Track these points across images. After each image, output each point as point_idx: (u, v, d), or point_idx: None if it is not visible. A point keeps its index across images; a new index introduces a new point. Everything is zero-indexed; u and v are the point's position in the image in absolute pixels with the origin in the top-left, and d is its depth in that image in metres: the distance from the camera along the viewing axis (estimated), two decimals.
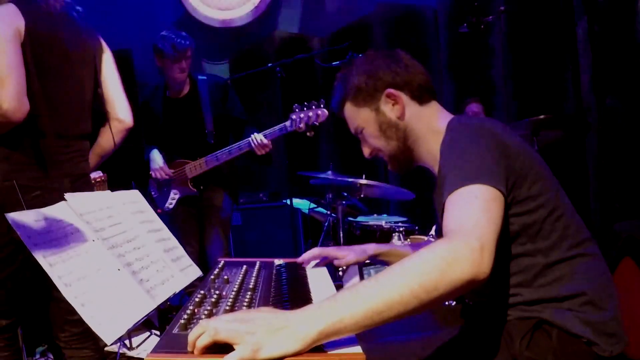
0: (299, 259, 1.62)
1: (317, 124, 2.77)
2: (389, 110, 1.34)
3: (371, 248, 1.66)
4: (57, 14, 1.92)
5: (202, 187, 3.02)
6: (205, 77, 3.10)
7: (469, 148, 1.12)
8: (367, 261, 1.70)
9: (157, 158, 3.03)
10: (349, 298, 0.89)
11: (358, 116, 1.39)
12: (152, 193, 3.13)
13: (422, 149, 1.35)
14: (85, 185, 2.01)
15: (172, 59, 2.92)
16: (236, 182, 3.24)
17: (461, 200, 1.03)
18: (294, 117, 2.76)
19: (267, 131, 2.83)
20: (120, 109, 2.11)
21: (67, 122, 1.94)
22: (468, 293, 1.30)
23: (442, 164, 1.17)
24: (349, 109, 1.40)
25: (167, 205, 3.04)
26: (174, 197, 3.05)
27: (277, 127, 2.82)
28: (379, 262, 1.74)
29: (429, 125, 1.33)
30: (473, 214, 0.99)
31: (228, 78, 3.54)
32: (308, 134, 2.79)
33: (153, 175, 3.04)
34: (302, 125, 2.75)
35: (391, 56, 1.39)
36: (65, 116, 1.93)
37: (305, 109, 2.76)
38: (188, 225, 3.10)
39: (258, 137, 2.82)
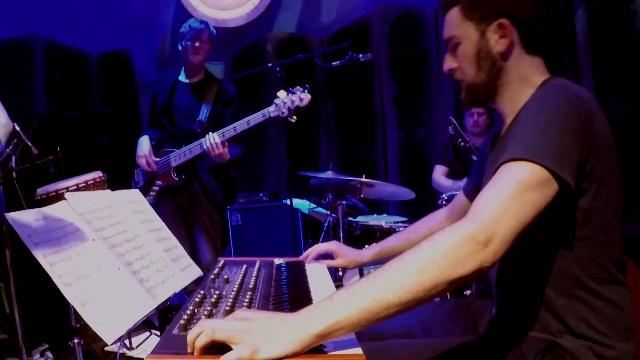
0: (302, 257, 1.62)
1: (301, 107, 2.72)
2: (494, 40, 1.18)
3: (366, 255, 1.60)
4: None
5: (183, 177, 3.00)
6: (221, 78, 3.18)
7: (552, 119, 1.02)
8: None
9: (144, 145, 3.03)
10: (345, 299, 0.89)
11: (460, 27, 1.22)
12: (138, 183, 3.12)
13: (508, 94, 1.21)
14: None
15: (187, 39, 3.03)
16: (221, 177, 3.20)
17: (504, 179, 0.98)
18: (277, 102, 2.73)
19: (251, 117, 2.78)
20: (4, 116, 2.33)
21: None
22: (494, 293, 1.27)
23: (519, 121, 1.11)
24: (454, 15, 1.22)
25: (147, 197, 3.02)
26: (155, 188, 3.04)
27: (259, 113, 2.77)
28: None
29: (525, 74, 1.19)
30: (502, 203, 0.94)
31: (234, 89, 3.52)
32: (290, 119, 2.74)
33: (137, 161, 3.04)
34: (284, 110, 2.71)
35: None
36: None
37: (289, 94, 2.73)
38: (173, 223, 3.01)
39: (212, 138, 2.79)
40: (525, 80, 1.19)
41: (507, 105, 1.22)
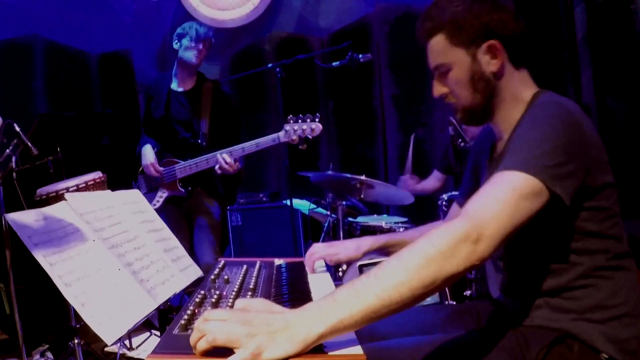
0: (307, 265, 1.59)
1: (311, 137, 2.76)
2: (485, 62, 1.21)
3: (366, 244, 1.55)
4: None
5: (190, 188, 3.02)
6: (212, 80, 3.14)
7: (546, 135, 1.06)
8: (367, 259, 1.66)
9: (148, 154, 3.02)
10: (348, 298, 0.89)
11: (449, 54, 1.23)
12: (141, 190, 3.12)
13: (502, 112, 1.25)
14: None
15: (193, 39, 2.96)
16: (230, 186, 3.22)
17: (500, 184, 1.02)
18: (287, 128, 2.75)
19: (260, 140, 2.81)
20: None
21: None
22: (499, 290, 1.32)
23: (515, 137, 1.14)
24: (440, 42, 1.23)
25: (152, 203, 3.03)
26: (161, 195, 3.05)
27: (269, 137, 2.80)
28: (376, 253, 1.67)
29: (516, 91, 1.24)
30: (497, 205, 0.98)
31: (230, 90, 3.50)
32: (300, 146, 2.77)
33: (145, 170, 3.04)
34: (295, 137, 2.74)
35: (504, 4, 1.22)
36: None
37: (300, 121, 2.75)
38: (178, 226, 3.07)
39: (223, 157, 2.81)
40: (516, 97, 1.23)
41: (502, 123, 1.26)
